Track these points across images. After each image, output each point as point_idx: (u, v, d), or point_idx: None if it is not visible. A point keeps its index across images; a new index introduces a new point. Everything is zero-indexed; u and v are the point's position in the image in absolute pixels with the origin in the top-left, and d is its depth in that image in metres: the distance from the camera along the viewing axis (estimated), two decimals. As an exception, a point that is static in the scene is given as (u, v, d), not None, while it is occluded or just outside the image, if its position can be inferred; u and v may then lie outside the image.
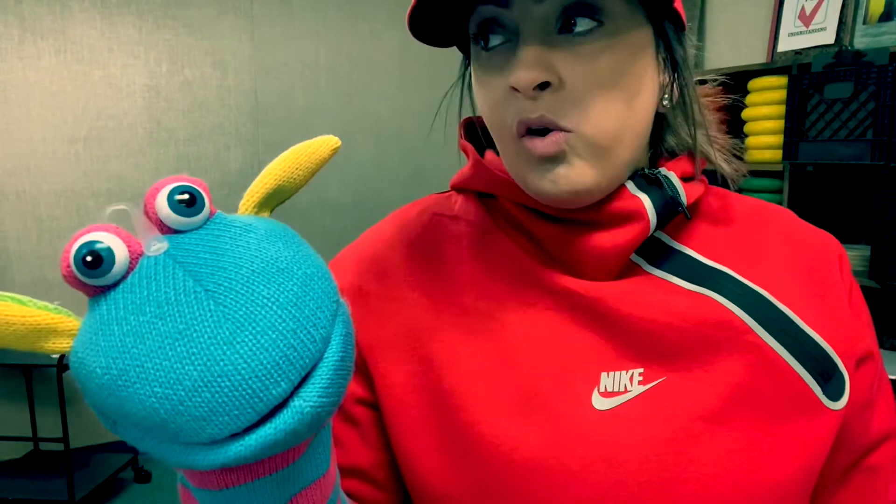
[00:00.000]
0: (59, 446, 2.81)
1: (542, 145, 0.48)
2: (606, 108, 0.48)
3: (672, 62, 0.53)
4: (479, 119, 0.62)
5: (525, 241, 0.56)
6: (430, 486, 0.52)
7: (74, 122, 3.00)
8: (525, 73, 0.46)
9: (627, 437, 0.49)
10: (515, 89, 0.47)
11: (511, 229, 0.57)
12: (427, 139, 3.62)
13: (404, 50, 3.58)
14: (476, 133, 0.61)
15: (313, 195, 3.41)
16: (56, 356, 2.52)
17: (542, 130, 0.48)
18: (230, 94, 3.26)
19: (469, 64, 0.56)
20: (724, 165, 0.58)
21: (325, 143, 0.39)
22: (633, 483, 0.49)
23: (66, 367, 2.49)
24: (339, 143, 0.40)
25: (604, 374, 0.51)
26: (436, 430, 0.52)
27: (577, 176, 0.48)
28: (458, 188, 0.62)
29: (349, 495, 0.54)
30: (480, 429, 0.50)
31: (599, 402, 0.50)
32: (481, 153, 0.59)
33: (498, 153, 0.60)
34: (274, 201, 0.38)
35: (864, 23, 2.27)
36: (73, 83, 2.98)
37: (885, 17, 2.21)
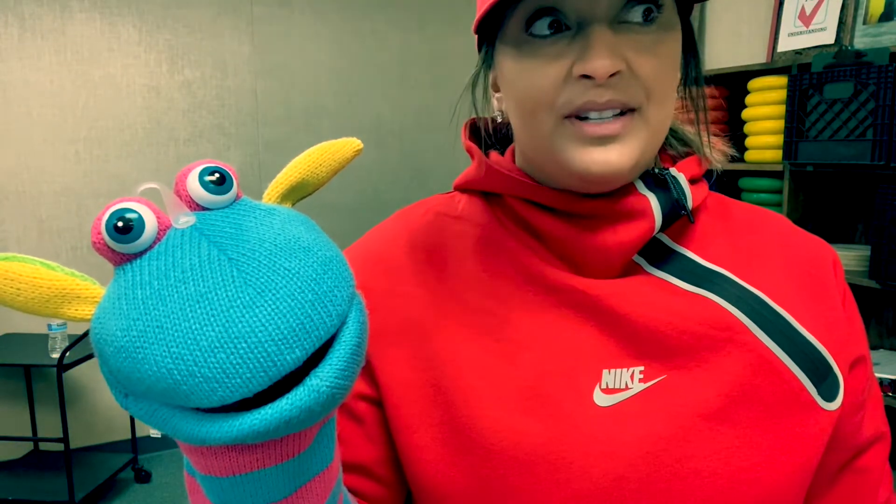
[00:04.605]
0: (59, 446, 2.81)
1: (606, 128, 0.48)
2: (666, 94, 0.50)
3: (691, 52, 0.55)
4: (484, 120, 0.62)
5: (529, 240, 0.56)
6: (432, 482, 0.52)
7: (74, 122, 3.00)
8: (602, 61, 0.46)
9: (628, 433, 0.50)
10: (587, 76, 0.47)
11: (515, 228, 0.57)
12: (427, 139, 3.62)
13: (405, 50, 3.58)
14: (478, 134, 0.62)
15: (313, 195, 3.40)
16: (56, 356, 2.52)
17: (601, 114, 0.49)
18: (230, 94, 3.27)
19: (490, 53, 0.56)
20: (712, 155, 0.60)
21: (349, 144, 0.41)
22: (633, 479, 0.49)
23: (67, 367, 2.49)
24: (362, 145, 0.41)
25: (605, 371, 0.51)
26: (438, 425, 0.52)
27: (627, 156, 0.49)
28: (462, 188, 0.62)
29: (352, 491, 0.54)
30: (483, 424, 0.50)
31: (601, 399, 0.51)
32: (484, 153, 0.59)
33: (502, 153, 0.61)
34: (297, 194, 0.39)
35: (864, 23, 2.28)
36: (73, 83, 2.98)
37: (885, 17, 2.21)
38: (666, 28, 0.49)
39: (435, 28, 3.59)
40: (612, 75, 0.47)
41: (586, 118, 0.49)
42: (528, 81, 0.50)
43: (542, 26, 0.49)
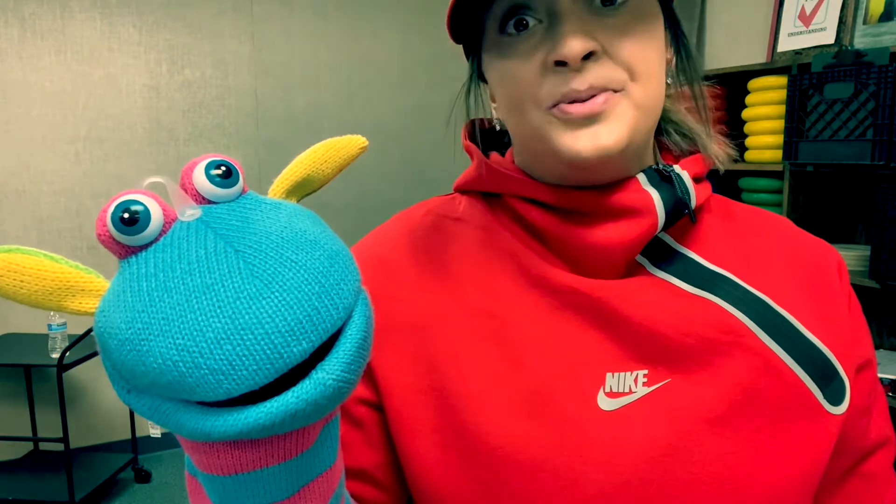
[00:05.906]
0: (59, 446, 2.81)
1: (590, 105, 0.48)
2: (649, 72, 0.49)
3: (676, 37, 0.55)
4: (482, 121, 0.62)
5: (530, 240, 0.56)
6: (433, 488, 0.52)
7: (74, 122, 3.00)
8: (573, 43, 0.46)
9: (632, 437, 0.49)
10: (561, 63, 0.47)
11: (516, 228, 0.57)
12: (427, 139, 3.62)
13: (404, 50, 3.58)
14: (478, 135, 0.62)
15: (313, 196, 3.40)
16: (56, 356, 2.52)
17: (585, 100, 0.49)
18: (230, 94, 3.26)
19: (477, 61, 0.56)
20: (715, 149, 0.59)
21: (354, 141, 0.41)
22: (637, 483, 0.49)
23: (67, 367, 2.49)
24: (367, 142, 0.41)
25: (609, 375, 0.51)
26: (440, 430, 0.52)
27: (616, 134, 0.48)
28: (462, 190, 0.62)
29: (352, 496, 0.54)
30: (485, 429, 0.50)
31: (605, 403, 0.50)
32: (484, 155, 0.59)
33: (502, 154, 0.60)
34: (302, 191, 0.39)
35: (864, 23, 2.28)
36: (73, 83, 2.98)
37: (885, 17, 2.21)
38: (639, 13, 0.49)
39: (435, 28, 3.59)
40: (586, 58, 0.47)
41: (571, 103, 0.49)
42: (510, 80, 0.51)
43: (516, 24, 0.49)
